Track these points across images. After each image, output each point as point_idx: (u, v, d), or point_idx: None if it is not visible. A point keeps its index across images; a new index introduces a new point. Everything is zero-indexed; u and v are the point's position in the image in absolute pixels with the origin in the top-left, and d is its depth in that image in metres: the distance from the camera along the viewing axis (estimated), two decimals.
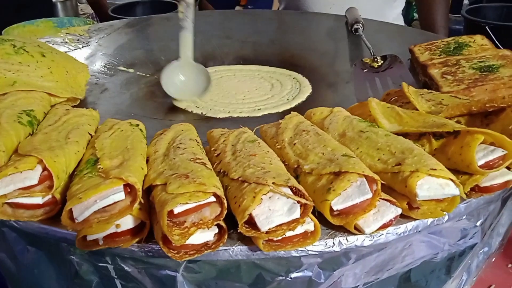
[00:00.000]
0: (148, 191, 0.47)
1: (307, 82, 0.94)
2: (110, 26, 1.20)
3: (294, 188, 0.43)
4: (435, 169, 0.45)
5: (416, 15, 3.03)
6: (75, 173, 0.49)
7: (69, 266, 0.52)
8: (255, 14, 1.31)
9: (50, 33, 1.32)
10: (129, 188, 0.43)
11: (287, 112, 0.82)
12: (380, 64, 0.88)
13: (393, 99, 0.72)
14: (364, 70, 0.87)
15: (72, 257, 0.50)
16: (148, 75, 0.97)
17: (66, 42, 1.06)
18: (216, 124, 0.79)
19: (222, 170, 0.50)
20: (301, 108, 0.83)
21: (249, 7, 3.61)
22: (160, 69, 1.00)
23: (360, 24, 1.03)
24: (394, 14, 1.35)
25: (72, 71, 0.80)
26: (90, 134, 0.58)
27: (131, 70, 0.99)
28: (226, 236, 0.42)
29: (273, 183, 0.43)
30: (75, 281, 0.52)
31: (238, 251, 0.42)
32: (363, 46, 1.01)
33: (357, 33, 1.04)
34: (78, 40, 1.08)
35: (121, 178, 0.43)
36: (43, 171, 0.46)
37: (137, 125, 0.62)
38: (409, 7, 3.01)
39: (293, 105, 0.85)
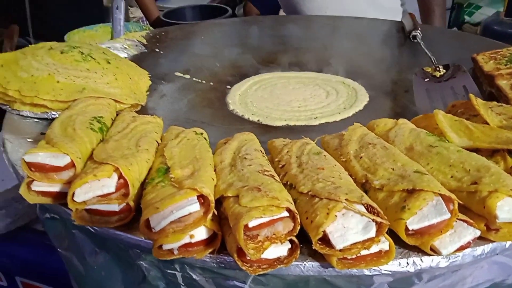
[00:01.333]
0: (217, 201, 0.48)
1: (363, 90, 0.92)
2: (165, 31, 1.23)
3: (367, 206, 0.42)
4: None
5: (466, 18, 2.94)
6: (147, 181, 0.51)
7: (137, 271, 0.53)
8: (308, 19, 1.30)
9: (108, 37, 1.37)
10: (202, 199, 0.44)
11: (345, 121, 0.82)
12: (442, 73, 0.85)
13: (459, 111, 0.70)
14: (426, 80, 0.84)
15: (141, 262, 0.51)
16: (204, 81, 0.99)
17: (125, 47, 1.09)
18: (273, 131, 0.80)
19: (289, 183, 0.50)
20: (359, 117, 0.82)
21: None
22: (214, 75, 1.02)
23: (419, 31, 1.01)
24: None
25: (135, 78, 0.83)
26: (157, 142, 0.60)
27: (187, 76, 1.01)
28: (298, 252, 0.42)
29: (346, 199, 0.42)
30: (142, 285, 0.54)
31: (309, 267, 0.42)
32: (421, 53, 0.98)
33: (415, 40, 1.01)
34: (136, 45, 1.12)
35: (195, 189, 0.44)
36: (119, 179, 0.47)
37: (201, 133, 0.63)
38: (459, 9, 2.91)
39: (350, 114, 0.84)
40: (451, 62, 0.93)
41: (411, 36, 1.02)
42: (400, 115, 0.80)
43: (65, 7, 1.57)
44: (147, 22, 1.99)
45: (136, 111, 0.81)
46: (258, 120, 0.83)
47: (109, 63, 0.80)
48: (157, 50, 1.12)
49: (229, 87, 0.97)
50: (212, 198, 0.43)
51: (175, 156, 0.53)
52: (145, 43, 1.14)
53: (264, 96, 0.92)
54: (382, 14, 1.28)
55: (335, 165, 0.52)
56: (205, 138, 0.62)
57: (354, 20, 1.23)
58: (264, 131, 0.80)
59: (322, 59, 1.06)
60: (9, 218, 0.84)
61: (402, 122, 0.63)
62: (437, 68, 0.86)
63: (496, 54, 0.90)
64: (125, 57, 1.04)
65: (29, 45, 0.82)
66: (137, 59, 1.06)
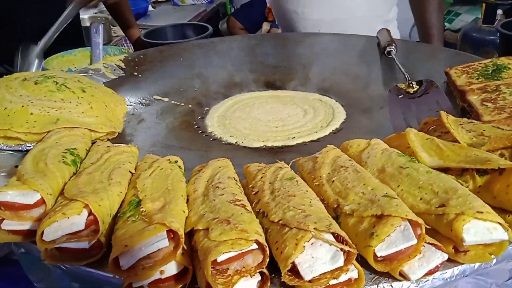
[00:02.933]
0: (189, 233, 0.48)
1: (340, 107, 0.94)
2: (144, 54, 1.23)
3: (336, 234, 0.43)
4: (482, 212, 0.44)
5: (446, 25, 2.99)
6: (119, 214, 0.50)
7: None
8: (286, 38, 1.31)
9: (87, 61, 1.37)
10: (172, 233, 0.44)
11: (322, 139, 0.83)
12: (415, 89, 0.86)
13: (431, 128, 0.71)
14: (400, 96, 0.86)
15: None
16: (182, 104, 0.99)
17: (103, 73, 1.09)
18: (251, 153, 0.80)
19: (261, 211, 0.50)
20: (335, 136, 0.83)
21: (276, 22, 3.64)
22: (193, 97, 1.02)
23: (393, 47, 1.02)
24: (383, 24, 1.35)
25: (111, 105, 0.83)
26: (131, 172, 0.60)
27: (165, 99, 1.01)
28: (268, 284, 0.42)
29: (314, 228, 0.42)
30: None
31: None
32: (397, 68, 1.00)
33: (389, 56, 1.03)
34: (114, 70, 1.12)
35: (164, 223, 0.44)
36: (88, 215, 0.47)
37: (176, 161, 0.63)
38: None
39: (327, 132, 0.85)
40: (426, 77, 0.95)
41: (385, 51, 1.03)
42: (376, 132, 0.81)
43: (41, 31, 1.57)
44: (130, 43, 2.00)
45: (113, 138, 0.81)
46: (236, 142, 0.83)
47: (84, 91, 0.80)
48: (135, 73, 1.12)
49: (207, 108, 0.97)
50: (181, 233, 0.43)
51: (147, 188, 0.53)
52: (124, 67, 1.14)
53: (242, 117, 0.93)
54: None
55: (307, 191, 0.52)
56: (179, 166, 0.62)
57: (330, 37, 1.25)
58: (242, 153, 0.80)
59: (300, 77, 1.08)
60: None
61: (374, 143, 0.64)
62: (411, 84, 0.87)
63: (468, 68, 0.91)
64: (104, 82, 1.04)
65: (3, 76, 0.82)
66: (116, 84, 1.06)
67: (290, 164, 0.64)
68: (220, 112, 0.95)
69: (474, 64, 0.92)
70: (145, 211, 0.47)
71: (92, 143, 0.71)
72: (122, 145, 0.67)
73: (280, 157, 0.77)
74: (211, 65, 1.17)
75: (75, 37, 1.82)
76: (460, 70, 0.92)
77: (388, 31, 1.13)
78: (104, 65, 1.13)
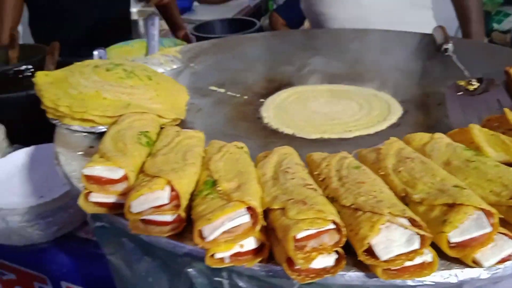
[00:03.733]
0: (264, 213, 0.50)
1: (397, 103, 0.94)
2: (199, 46, 1.27)
3: (410, 219, 0.44)
4: None
5: (495, 26, 2.90)
6: (195, 193, 0.54)
7: (184, 278, 0.56)
8: (336, 32, 1.32)
9: (143, 52, 1.42)
10: (250, 210, 0.46)
11: (379, 133, 0.83)
12: (476, 87, 0.86)
13: (494, 125, 0.70)
14: (459, 93, 0.85)
15: (189, 270, 0.54)
16: (238, 95, 1.02)
17: (162, 63, 1.14)
18: (308, 144, 0.82)
19: (330, 196, 0.52)
20: (393, 130, 0.84)
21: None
22: (248, 88, 1.05)
23: (450, 44, 1.02)
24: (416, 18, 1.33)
25: (174, 93, 0.86)
26: (201, 156, 0.63)
27: (221, 90, 1.04)
28: (344, 262, 0.44)
29: (389, 213, 0.44)
30: None
31: (354, 276, 0.44)
32: (452, 66, 0.99)
33: (446, 53, 1.02)
34: (172, 60, 1.16)
35: (243, 201, 0.46)
36: (171, 191, 0.50)
37: (242, 147, 0.65)
38: (488, 17, 2.88)
39: (384, 127, 0.85)
40: (483, 76, 0.94)
41: (442, 48, 1.03)
42: (434, 128, 0.81)
43: (94, 25, 1.65)
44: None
45: (177, 124, 0.85)
46: (293, 133, 0.86)
47: (150, 79, 0.84)
48: (191, 64, 1.16)
49: (263, 100, 1.00)
50: (260, 210, 0.46)
51: (220, 169, 0.56)
52: (180, 58, 1.18)
53: (298, 109, 0.95)
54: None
55: (375, 179, 0.54)
56: (245, 152, 0.64)
57: (383, 33, 1.25)
58: (299, 144, 0.82)
59: (353, 72, 1.08)
60: (56, 226, 0.88)
61: (438, 137, 0.65)
62: (470, 82, 0.87)
63: None
64: (163, 72, 1.08)
65: (74, 63, 0.87)
66: (174, 74, 1.10)
67: (352, 155, 0.65)
68: (276, 104, 0.98)
69: None
70: (222, 190, 0.50)
71: (160, 129, 0.75)
72: (190, 130, 0.71)
73: (338, 149, 0.79)
74: (264, 58, 1.20)
75: (124, 30, 1.90)
76: None
77: (443, 28, 1.13)
78: (163, 55, 1.17)
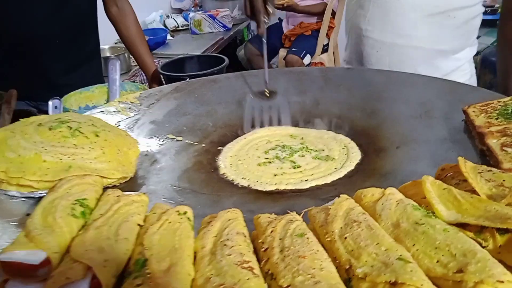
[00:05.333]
0: None
1: (355, 147, 0.92)
2: (160, 91, 1.24)
3: None
4: (503, 282, 0.41)
5: None
6: (125, 274, 0.49)
7: None
8: (300, 72, 1.31)
9: (105, 97, 1.39)
10: None
11: (337, 183, 0.81)
12: None
13: (449, 175, 0.68)
14: None
15: None
16: (195, 143, 0.99)
17: (119, 111, 1.10)
18: (263, 197, 0.79)
19: (270, 272, 0.49)
20: (350, 180, 0.81)
21: (293, 49, 3.67)
22: (207, 135, 1.02)
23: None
24: (453, 67, 1.29)
25: (124, 148, 0.83)
26: (140, 225, 0.59)
27: (179, 138, 1.01)
28: None
29: None
30: None
31: None
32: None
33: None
34: (129, 108, 1.13)
35: None
36: (93, 278, 0.46)
37: (185, 212, 0.62)
38: None
39: (341, 175, 0.83)
40: (444, 114, 0.93)
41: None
42: (392, 174, 0.79)
43: (63, 69, 1.60)
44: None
45: (126, 181, 0.81)
46: (249, 185, 0.82)
47: (97, 135, 0.80)
48: (150, 111, 1.13)
49: (221, 148, 0.97)
50: None
51: (154, 246, 0.52)
52: (139, 104, 1.15)
53: (255, 157, 0.92)
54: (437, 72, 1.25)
55: (318, 250, 0.50)
56: (188, 217, 0.61)
57: (346, 71, 1.24)
58: (254, 197, 0.79)
59: (314, 114, 1.06)
60: None
61: (389, 193, 0.62)
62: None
63: (487, 107, 0.89)
64: (118, 122, 1.05)
65: (20, 120, 0.83)
66: (131, 123, 1.07)
67: (302, 214, 0.62)
68: (233, 152, 0.95)
69: (493, 103, 0.90)
70: (150, 273, 0.46)
71: (105, 188, 0.71)
72: (133, 193, 0.67)
73: (293, 202, 0.76)
74: (225, 101, 1.17)
75: (95, 69, 1.85)
76: (479, 108, 0.89)
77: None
78: (120, 103, 1.14)
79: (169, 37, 3.33)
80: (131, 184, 0.82)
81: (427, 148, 0.86)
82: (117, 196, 0.65)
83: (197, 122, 1.08)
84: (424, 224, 0.53)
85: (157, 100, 1.19)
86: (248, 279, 0.44)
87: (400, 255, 0.47)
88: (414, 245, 0.50)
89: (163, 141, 1.00)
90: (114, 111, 1.11)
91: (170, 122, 1.08)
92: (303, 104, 1.11)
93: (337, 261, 0.50)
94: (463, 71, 1.33)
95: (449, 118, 0.95)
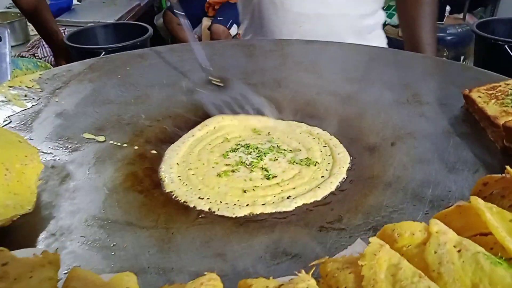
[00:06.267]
0: None
1: (339, 145, 0.71)
2: (68, 70, 0.93)
3: None
4: None
5: (387, 19, 2.90)
6: None
7: None
8: (251, 45, 1.07)
9: None
10: None
11: (330, 200, 0.59)
12: None
13: (494, 192, 0.50)
14: None
15: None
16: (125, 145, 0.72)
17: (9, 100, 0.79)
18: (235, 229, 0.55)
19: None
20: (345, 194, 0.60)
21: (218, 18, 3.37)
22: (139, 133, 0.75)
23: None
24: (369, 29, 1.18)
25: (16, 166, 0.54)
26: None
27: (100, 138, 0.73)
28: None
29: None
30: None
31: None
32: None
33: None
34: (25, 96, 0.82)
35: None
36: None
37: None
38: None
39: (333, 187, 0.61)
40: (439, 98, 0.77)
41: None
42: (398, 185, 0.60)
43: None
44: (51, 50, 1.64)
45: (23, 216, 0.53)
46: (210, 209, 0.58)
47: None
48: (56, 100, 0.82)
49: (162, 150, 0.71)
50: None
51: None
52: (39, 90, 0.84)
53: (212, 163, 0.68)
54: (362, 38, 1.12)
55: None
56: None
57: (306, 44, 1.03)
58: (221, 229, 0.55)
59: (276, 99, 0.84)
60: None
61: (437, 230, 0.42)
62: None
63: (495, 91, 0.73)
64: (7, 118, 0.74)
65: None
66: (27, 118, 0.76)
67: (312, 271, 0.40)
68: (180, 157, 0.69)
69: (500, 85, 0.74)
70: None
71: None
72: (31, 254, 0.40)
73: (279, 234, 0.53)
74: (159, 83, 0.90)
75: None
76: (485, 93, 0.73)
77: None
78: (11, 88, 0.82)
79: (75, 1, 2.86)
80: (32, 219, 0.54)
81: (430, 145, 0.68)
82: (3, 264, 0.38)
83: (123, 113, 0.80)
84: None
85: (65, 83, 0.89)
86: None
87: None
88: None
89: (76, 144, 0.71)
90: (2, 101, 0.79)
91: (86, 114, 0.79)
92: (261, 87, 0.88)
93: None
94: (380, 37, 1.23)
95: (444, 104, 0.78)
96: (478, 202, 0.44)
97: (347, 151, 0.69)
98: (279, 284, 0.38)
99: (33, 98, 0.82)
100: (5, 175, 0.51)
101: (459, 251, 0.39)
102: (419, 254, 0.40)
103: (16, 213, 0.49)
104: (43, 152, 0.67)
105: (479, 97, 0.72)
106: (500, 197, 0.49)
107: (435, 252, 0.40)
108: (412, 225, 0.44)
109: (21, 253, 0.40)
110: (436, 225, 0.43)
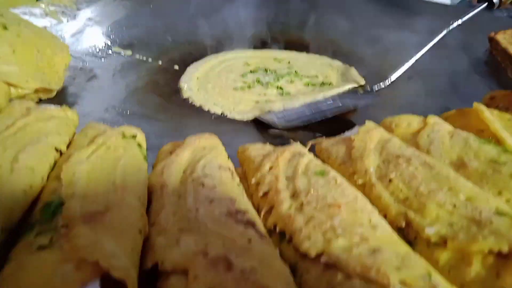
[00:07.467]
0: (151, 273, 0.26)
1: (357, 75, 0.72)
2: None
3: None
4: None
5: None
6: (24, 230, 0.28)
7: None
8: None
9: (30, 2, 1.09)
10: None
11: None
12: None
13: (500, 105, 0.50)
14: None
15: None
16: (150, 60, 0.75)
17: (47, 14, 0.83)
18: (244, 128, 0.58)
19: (278, 229, 0.29)
20: (357, 109, 0.62)
21: None
22: (164, 52, 0.78)
23: None
24: None
25: (47, 51, 0.58)
26: (59, 150, 0.37)
27: (128, 52, 0.77)
28: None
29: (402, 283, 0.21)
30: None
31: None
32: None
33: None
34: (63, 12, 0.86)
35: (97, 262, 0.21)
36: None
37: (133, 136, 0.40)
38: None
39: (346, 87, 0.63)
40: (462, 44, 0.76)
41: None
42: (412, 105, 0.61)
43: None
44: None
45: (49, 99, 0.57)
46: (223, 113, 0.61)
47: (5, 29, 0.55)
48: (90, 17, 0.86)
49: (183, 67, 0.74)
50: (132, 281, 0.21)
51: (79, 181, 0.30)
52: (75, 8, 0.88)
53: (230, 80, 0.70)
54: None
55: (356, 196, 0.31)
56: (139, 144, 0.39)
57: None
58: (231, 128, 0.58)
59: (302, 36, 0.85)
60: None
61: (433, 122, 0.43)
62: None
63: None
64: (47, 27, 0.78)
65: None
66: (63, 30, 0.80)
67: (308, 148, 0.42)
68: (201, 72, 0.72)
69: None
70: (66, 226, 0.25)
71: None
72: (52, 106, 0.44)
73: (285, 135, 0.56)
74: (189, 14, 0.93)
75: None
76: (510, 35, 0.72)
77: None
78: (50, 5, 0.87)
79: None
80: (56, 102, 0.58)
81: (447, 81, 0.68)
82: (27, 108, 0.42)
83: (152, 35, 0.84)
84: (506, 162, 0.35)
85: (101, 6, 0.92)
86: (250, 239, 0.24)
87: (498, 208, 0.28)
88: (500, 192, 0.32)
89: (106, 54, 0.75)
90: (41, 14, 0.84)
91: (117, 33, 0.83)
92: (287, 25, 0.89)
93: (381, 214, 0.31)
94: None
95: (467, 48, 0.77)
96: (479, 104, 0.44)
97: (364, 79, 0.70)
98: (278, 148, 0.40)
99: (69, 15, 0.86)
100: (36, 53, 0.55)
101: (451, 136, 0.40)
102: (413, 140, 0.42)
103: (42, 87, 0.53)
104: (73, 56, 0.71)
105: (504, 38, 0.71)
106: (505, 109, 0.49)
107: (428, 136, 0.41)
108: (410, 117, 0.45)
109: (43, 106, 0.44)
110: (432, 117, 0.44)
